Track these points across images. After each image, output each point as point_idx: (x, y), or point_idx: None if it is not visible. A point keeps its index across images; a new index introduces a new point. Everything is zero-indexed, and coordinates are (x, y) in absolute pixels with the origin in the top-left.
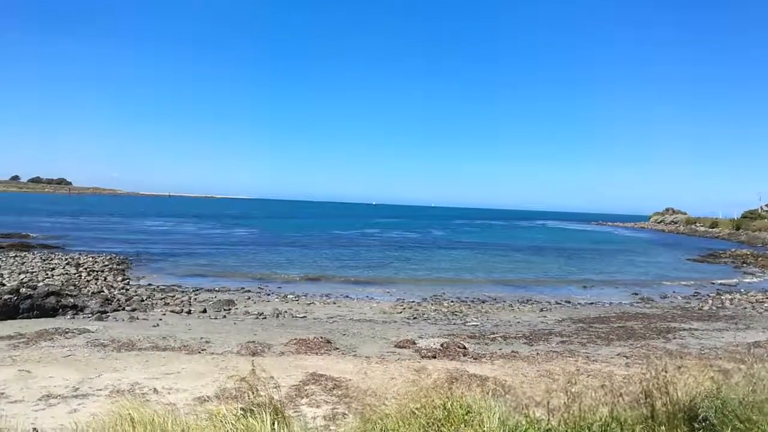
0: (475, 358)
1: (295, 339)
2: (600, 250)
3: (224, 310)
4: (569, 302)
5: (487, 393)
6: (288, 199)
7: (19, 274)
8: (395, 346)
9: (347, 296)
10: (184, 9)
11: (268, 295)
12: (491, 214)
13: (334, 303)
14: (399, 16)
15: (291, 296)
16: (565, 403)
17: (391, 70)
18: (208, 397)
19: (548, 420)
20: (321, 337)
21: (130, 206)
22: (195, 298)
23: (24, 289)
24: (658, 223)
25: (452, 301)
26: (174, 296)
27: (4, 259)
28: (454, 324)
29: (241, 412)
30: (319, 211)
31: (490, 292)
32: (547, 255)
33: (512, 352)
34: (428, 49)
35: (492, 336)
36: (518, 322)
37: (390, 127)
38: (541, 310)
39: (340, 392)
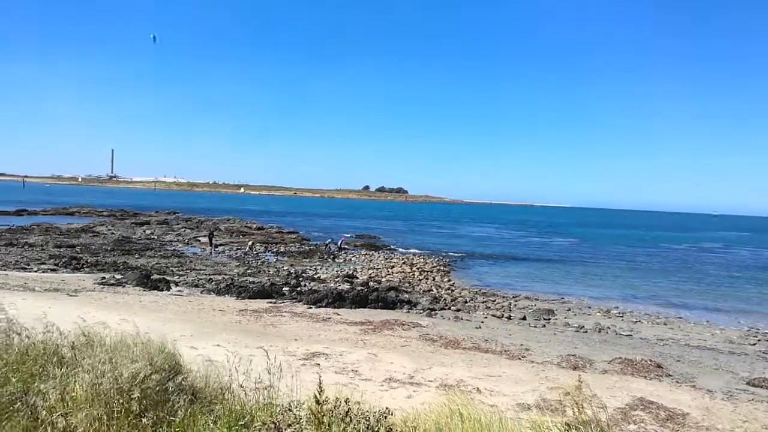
0: None
1: (620, 358)
2: None
3: (543, 319)
4: None
5: None
6: (611, 208)
7: (368, 269)
8: (747, 383)
9: (680, 317)
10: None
11: (589, 307)
12: None
13: (665, 324)
14: None
15: (614, 311)
16: None
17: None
18: (528, 405)
19: None
20: (650, 360)
21: (455, 213)
22: (515, 305)
23: (371, 283)
24: None
25: None
26: (495, 300)
27: (357, 256)
28: None
29: (565, 427)
30: (647, 221)
31: None
32: None
33: None
34: None
35: None
36: None
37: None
38: None
39: (674, 425)
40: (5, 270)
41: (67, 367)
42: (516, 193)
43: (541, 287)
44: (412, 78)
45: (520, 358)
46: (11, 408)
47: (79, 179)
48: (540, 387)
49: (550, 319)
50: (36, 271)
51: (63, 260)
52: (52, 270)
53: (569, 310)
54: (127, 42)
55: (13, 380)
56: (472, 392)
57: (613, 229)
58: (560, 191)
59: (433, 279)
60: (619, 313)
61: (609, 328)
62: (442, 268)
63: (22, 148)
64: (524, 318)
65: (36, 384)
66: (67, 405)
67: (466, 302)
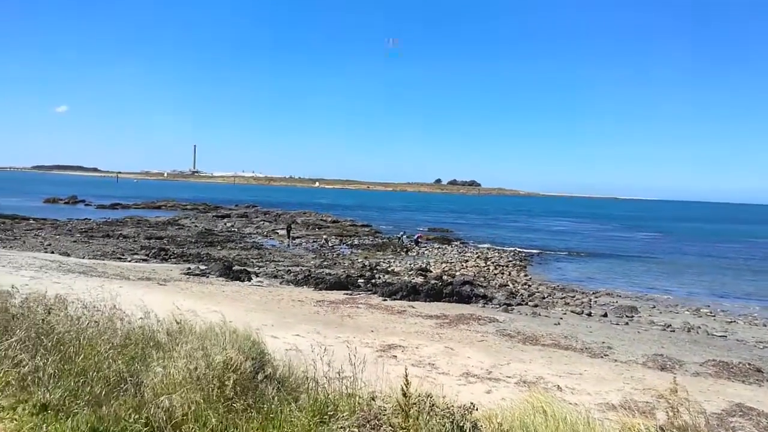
0: None
1: (713, 360)
2: None
3: (626, 316)
4: None
5: None
6: (702, 201)
7: (442, 263)
8: None
9: None
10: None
11: (676, 305)
12: None
13: (765, 325)
14: None
15: (705, 310)
16: None
17: None
18: (613, 405)
19: None
20: (749, 364)
21: (530, 206)
22: (595, 301)
23: (445, 277)
24: None
25: None
26: (574, 296)
27: (430, 249)
28: None
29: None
30: (741, 215)
31: None
32: None
33: None
34: None
35: None
36: None
37: None
38: None
39: None
40: (104, 259)
41: (163, 352)
42: (597, 185)
43: (622, 283)
44: (483, 70)
45: (602, 357)
46: (118, 387)
47: (165, 174)
48: (625, 387)
49: (633, 316)
50: (129, 261)
51: (153, 251)
52: (144, 260)
53: (654, 307)
54: (207, 44)
55: (119, 362)
56: (552, 390)
57: (702, 223)
58: (646, 183)
59: (509, 274)
60: (710, 312)
61: (699, 327)
62: (517, 262)
63: (115, 146)
64: (605, 315)
65: (137, 366)
66: (167, 387)
67: (543, 298)
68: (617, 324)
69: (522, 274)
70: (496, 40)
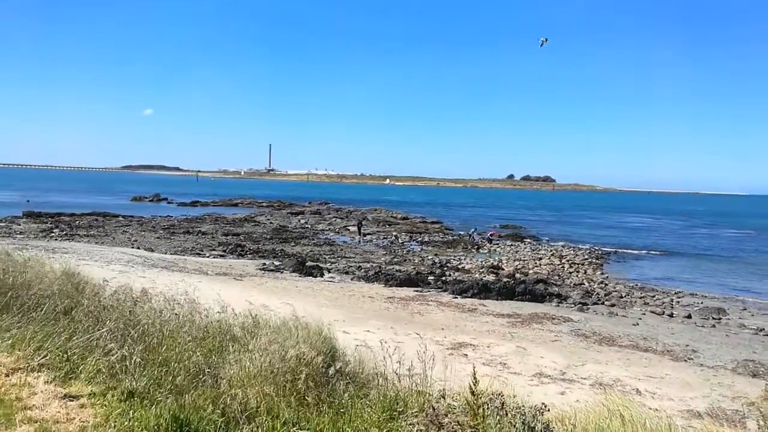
0: None
1: None
2: None
3: (713, 318)
4: None
5: None
6: None
7: (514, 261)
8: None
9: None
10: None
11: None
12: None
13: None
14: None
15: None
16: None
17: None
18: (698, 412)
19: None
20: None
21: (607, 202)
22: (677, 302)
23: (518, 275)
24: None
25: None
26: (654, 296)
27: (502, 247)
28: None
29: None
30: None
31: None
32: None
33: None
34: None
35: None
36: None
37: None
38: None
39: None
40: (184, 255)
41: (239, 345)
42: (678, 180)
43: (707, 284)
44: (557, 61)
45: (685, 360)
46: (197, 378)
47: (242, 173)
48: (712, 393)
49: (720, 318)
50: (208, 257)
51: (229, 247)
52: (221, 256)
53: (744, 309)
54: (281, 47)
55: (198, 354)
56: (630, 393)
57: None
58: (734, 177)
59: (585, 272)
60: None
61: None
62: (594, 260)
63: (195, 146)
64: (689, 316)
65: (214, 358)
66: (242, 380)
67: (621, 297)
68: (702, 326)
69: (598, 272)
70: (576, 29)
